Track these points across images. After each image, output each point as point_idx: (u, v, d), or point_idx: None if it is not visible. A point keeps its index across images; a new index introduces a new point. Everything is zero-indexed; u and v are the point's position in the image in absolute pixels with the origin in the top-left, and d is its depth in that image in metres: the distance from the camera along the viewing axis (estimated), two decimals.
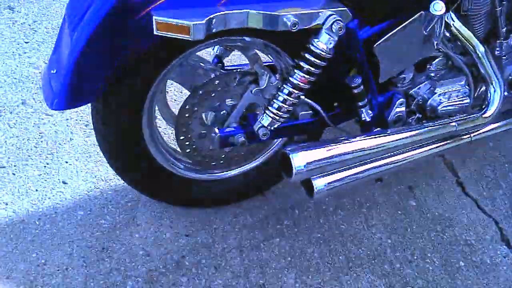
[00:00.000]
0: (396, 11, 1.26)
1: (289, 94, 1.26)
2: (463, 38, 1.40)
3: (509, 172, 1.87)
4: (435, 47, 1.37)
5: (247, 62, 1.44)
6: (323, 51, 1.20)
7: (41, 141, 1.83)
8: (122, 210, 1.64)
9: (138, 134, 1.34)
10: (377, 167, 1.42)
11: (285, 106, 1.28)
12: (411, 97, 1.48)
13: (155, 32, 1.07)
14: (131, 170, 1.43)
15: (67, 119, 1.89)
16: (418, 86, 1.48)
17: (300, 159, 1.27)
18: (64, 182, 1.70)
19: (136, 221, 1.61)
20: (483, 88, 1.53)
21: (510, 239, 1.66)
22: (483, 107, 1.50)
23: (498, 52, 1.50)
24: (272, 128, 1.31)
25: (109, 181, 1.71)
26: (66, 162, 1.76)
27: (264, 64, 1.40)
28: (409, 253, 1.60)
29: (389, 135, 1.38)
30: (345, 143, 1.34)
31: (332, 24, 1.15)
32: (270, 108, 1.29)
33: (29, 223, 1.57)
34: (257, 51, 1.39)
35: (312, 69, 1.22)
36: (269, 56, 1.40)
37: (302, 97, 1.29)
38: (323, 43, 1.19)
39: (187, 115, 1.34)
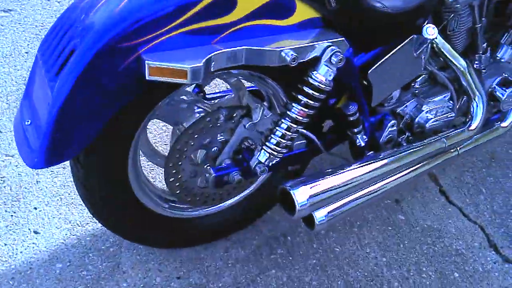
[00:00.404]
0: (391, 37, 1.23)
1: (288, 129, 1.20)
2: (446, 55, 1.40)
3: (487, 177, 1.91)
4: (423, 66, 1.36)
5: (228, 87, 1.37)
6: (322, 84, 1.14)
7: (4, 187, 1.65)
8: (105, 257, 1.51)
9: (124, 178, 1.23)
10: (374, 191, 1.39)
11: (284, 141, 1.22)
12: (399, 116, 1.47)
13: (147, 78, 0.97)
14: (119, 221, 1.32)
15: None
16: (405, 105, 1.47)
17: (301, 194, 1.22)
18: (35, 232, 1.55)
19: (121, 268, 1.49)
20: (464, 100, 1.55)
21: (497, 243, 1.69)
22: (467, 120, 1.51)
23: (477, 66, 1.51)
24: (270, 164, 1.25)
25: (85, 226, 1.58)
26: (35, 208, 1.61)
27: (248, 89, 1.33)
28: (405, 269, 1.59)
29: (385, 158, 1.36)
30: (343, 172, 1.30)
31: (331, 56, 1.10)
32: (267, 144, 1.23)
33: (1, 285, 1.42)
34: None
35: (311, 102, 1.17)
36: (253, 82, 1.33)
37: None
38: (322, 75, 1.13)
39: (177, 155, 1.25)
